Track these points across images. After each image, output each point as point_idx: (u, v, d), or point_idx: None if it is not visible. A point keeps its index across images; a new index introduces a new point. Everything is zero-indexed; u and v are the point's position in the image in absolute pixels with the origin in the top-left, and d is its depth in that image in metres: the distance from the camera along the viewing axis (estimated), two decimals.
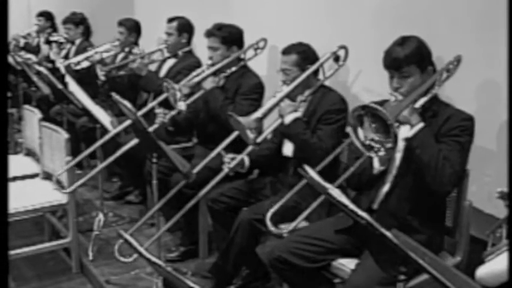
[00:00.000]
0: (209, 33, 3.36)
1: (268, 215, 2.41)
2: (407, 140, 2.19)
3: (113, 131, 3.25)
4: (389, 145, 2.02)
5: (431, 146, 2.16)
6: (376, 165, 2.34)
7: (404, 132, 2.21)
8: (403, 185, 2.29)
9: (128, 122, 3.10)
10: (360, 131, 2.10)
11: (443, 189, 2.17)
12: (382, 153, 2.08)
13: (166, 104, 3.27)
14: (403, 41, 2.26)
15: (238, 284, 2.95)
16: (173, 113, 3.15)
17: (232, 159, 2.81)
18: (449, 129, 2.21)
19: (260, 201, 2.86)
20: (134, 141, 3.10)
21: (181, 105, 3.16)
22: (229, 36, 3.34)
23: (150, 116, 3.49)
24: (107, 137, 3.25)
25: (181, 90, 3.17)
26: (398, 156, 2.32)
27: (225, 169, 2.80)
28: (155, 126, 3.13)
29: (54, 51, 4.95)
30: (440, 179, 2.14)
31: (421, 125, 2.17)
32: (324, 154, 2.54)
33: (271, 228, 2.40)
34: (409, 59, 2.21)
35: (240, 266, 2.90)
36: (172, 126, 3.40)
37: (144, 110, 3.43)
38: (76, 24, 5.18)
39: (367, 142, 2.09)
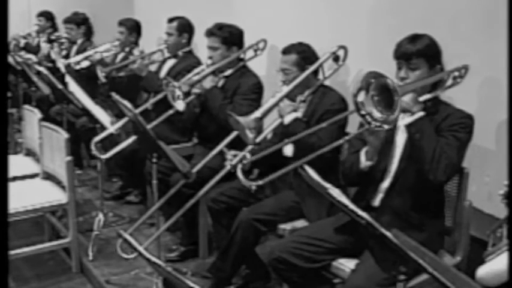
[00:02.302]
0: (209, 33, 3.36)
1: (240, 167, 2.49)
2: (407, 126, 2.21)
3: (110, 129, 3.25)
4: (392, 117, 2.02)
5: (429, 133, 2.18)
6: (363, 159, 2.34)
7: (405, 121, 2.23)
8: (403, 180, 2.30)
9: (125, 120, 3.11)
10: (362, 95, 2.09)
11: (437, 178, 2.17)
12: (385, 126, 2.08)
13: (166, 104, 3.28)
14: (415, 36, 2.30)
15: (238, 284, 2.95)
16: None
17: (235, 156, 2.80)
18: (449, 126, 2.23)
19: (260, 201, 2.86)
20: (132, 139, 3.10)
21: (180, 104, 3.16)
22: (229, 37, 3.34)
23: (150, 115, 3.50)
24: (103, 134, 3.25)
25: (181, 88, 3.17)
26: (398, 152, 2.33)
27: (228, 166, 2.79)
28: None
29: (55, 51, 4.94)
30: (436, 169, 2.14)
31: (421, 113, 2.19)
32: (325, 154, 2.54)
33: (243, 179, 2.42)
34: (419, 51, 2.25)
35: (239, 265, 2.90)
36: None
37: (142, 107, 3.42)
38: (78, 24, 5.19)
39: (363, 111, 2.09)
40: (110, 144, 3.38)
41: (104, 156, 3.27)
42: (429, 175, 2.17)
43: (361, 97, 2.09)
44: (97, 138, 3.26)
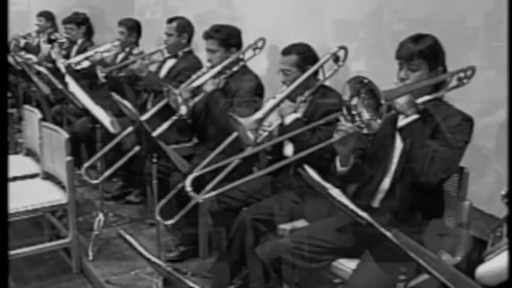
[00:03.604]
0: (207, 36, 3.34)
1: (189, 179, 2.55)
2: (399, 130, 2.20)
3: (116, 139, 3.27)
4: (375, 124, 2.03)
5: (422, 136, 2.17)
6: (338, 165, 2.36)
7: (399, 122, 2.24)
8: (403, 181, 2.29)
9: (130, 129, 3.13)
10: (355, 100, 2.11)
11: (429, 181, 2.16)
12: (364, 131, 2.11)
13: (166, 104, 3.28)
14: (418, 36, 2.28)
15: (238, 284, 2.95)
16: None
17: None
18: (447, 127, 2.22)
19: (260, 201, 2.86)
20: (137, 148, 3.13)
21: (183, 109, 3.17)
22: (227, 38, 3.32)
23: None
24: (111, 144, 3.28)
25: (182, 94, 3.17)
26: (397, 153, 2.33)
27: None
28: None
29: (56, 51, 4.95)
30: (427, 171, 2.14)
31: (415, 116, 2.19)
32: (324, 154, 2.54)
33: (191, 192, 2.53)
34: (421, 52, 2.23)
35: (239, 266, 2.90)
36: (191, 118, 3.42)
37: (147, 115, 3.41)
38: (78, 24, 5.19)
39: (354, 111, 2.11)
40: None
41: (96, 181, 3.41)
42: (421, 177, 2.17)
43: (355, 101, 2.11)
44: (87, 164, 3.35)
